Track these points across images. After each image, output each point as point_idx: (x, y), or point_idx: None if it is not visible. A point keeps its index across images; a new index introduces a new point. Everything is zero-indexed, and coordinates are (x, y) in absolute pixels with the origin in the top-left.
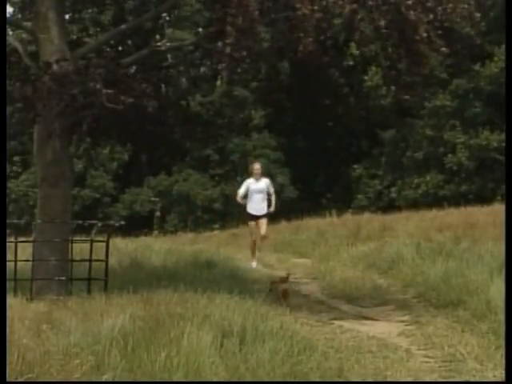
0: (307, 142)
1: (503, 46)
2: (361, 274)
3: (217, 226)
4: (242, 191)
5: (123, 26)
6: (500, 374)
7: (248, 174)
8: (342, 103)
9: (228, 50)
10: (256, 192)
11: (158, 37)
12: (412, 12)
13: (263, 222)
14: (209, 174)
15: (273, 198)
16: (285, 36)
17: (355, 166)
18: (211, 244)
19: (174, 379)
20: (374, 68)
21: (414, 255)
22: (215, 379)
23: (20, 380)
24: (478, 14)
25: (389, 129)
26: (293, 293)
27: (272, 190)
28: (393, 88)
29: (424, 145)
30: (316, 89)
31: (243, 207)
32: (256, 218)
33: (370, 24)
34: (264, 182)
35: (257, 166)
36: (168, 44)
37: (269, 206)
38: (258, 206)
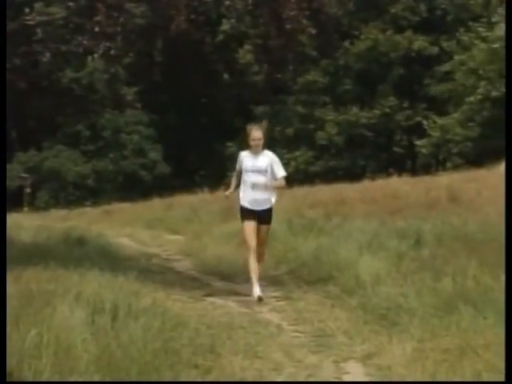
0: (180, 119)
1: (370, 25)
2: (233, 251)
3: (89, 202)
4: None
5: None
6: (368, 348)
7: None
8: (214, 80)
9: (99, 27)
10: (254, 172)
11: (27, 10)
12: None
13: (263, 229)
14: (80, 150)
15: (280, 178)
16: (157, 13)
17: (228, 144)
18: (83, 221)
19: (44, 356)
20: (246, 46)
21: (286, 232)
22: (86, 356)
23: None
24: None
25: (261, 105)
26: (166, 270)
27: (281, 173)
28: (265, 66)
29: (295, 121)
30: (189, 65)
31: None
32: (254, 215)
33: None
34: (267, 158)
35: (256, 134)
36: (38, 18)
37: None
38: (256, 195)
